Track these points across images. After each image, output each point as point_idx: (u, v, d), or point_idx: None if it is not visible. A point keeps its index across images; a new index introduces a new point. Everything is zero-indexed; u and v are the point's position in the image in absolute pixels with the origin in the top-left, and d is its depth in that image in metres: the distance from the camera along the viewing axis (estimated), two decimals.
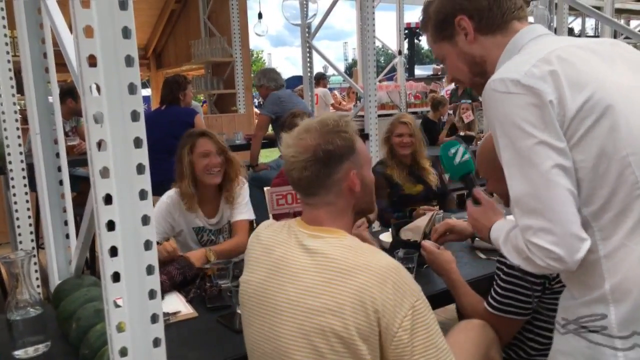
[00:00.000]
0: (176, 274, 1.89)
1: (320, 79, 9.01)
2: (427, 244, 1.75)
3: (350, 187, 1.23)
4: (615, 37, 8.19)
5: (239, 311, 1.58)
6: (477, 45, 1.17)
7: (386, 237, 2.31)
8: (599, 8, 7.31)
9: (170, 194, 2.34)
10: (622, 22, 12.43)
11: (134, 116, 0.89)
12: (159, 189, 4.19)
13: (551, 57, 1.02)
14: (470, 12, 1.15)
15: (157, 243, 2.19)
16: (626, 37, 5.02)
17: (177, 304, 1.72)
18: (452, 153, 1.48)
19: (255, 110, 7.83)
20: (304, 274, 1.15)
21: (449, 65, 1.24)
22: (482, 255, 2.09)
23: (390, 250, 2.06)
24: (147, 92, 11.99)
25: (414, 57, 16.74)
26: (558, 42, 1.10)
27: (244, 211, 2.39)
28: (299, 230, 1.23)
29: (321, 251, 1.16)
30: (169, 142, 3.75)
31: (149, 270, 0.93)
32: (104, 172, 0.88)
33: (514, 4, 1.16)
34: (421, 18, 1.27)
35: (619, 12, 12.21)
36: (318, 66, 23.53)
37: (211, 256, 2.08)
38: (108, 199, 0.88)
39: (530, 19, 4.35)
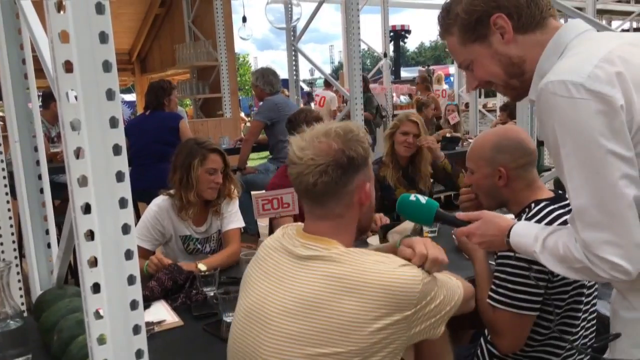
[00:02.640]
0: (165, 279, 1.86)
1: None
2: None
3: (361, 200, 1.20)
4: None
5: (225, 319, 1.56)
6: (515, 44, 1.09)
7: (374, 240, 2.30)
8: (581, 9, 7.39)
9: (158, 202, 2.30)
10: (604, 22, 12.60)
11: (113, 123, 0.87)
12: (144, 196, 4.15)
13: (613, 57, 0.96)
14: (508, 9, 1.07)
15: (152, 252, 2.16)
16: None
17: (162, 313, 1.69)
18: (414, 198, 1.42)
19: (243, 115, 7.82)
20: (298, 284, 1.13)
21: (478, 69, 1.15)
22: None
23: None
24: (132, 97, 11.91)
25: (400, 59, 16.81)
26: (609, 39, 1.05)
27: (233, 220, 2.38)
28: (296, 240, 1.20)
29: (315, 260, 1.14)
30: (154, 147, 3.73)
31: (131, 280, 0.91)
32: (82, 181, 0.86)
33: (548, 1, 1.11)
34: (442, 21, 1.17)
35: (601, 12, 12.37)
36: (304, 69, 23.50)
37: (202, 267, 2.06)
38: (87, 208, 0.86)
39: None
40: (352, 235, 1.23)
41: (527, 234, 1.14)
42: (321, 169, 1.14)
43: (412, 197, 1.43)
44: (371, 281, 1.07)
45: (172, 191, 2.31)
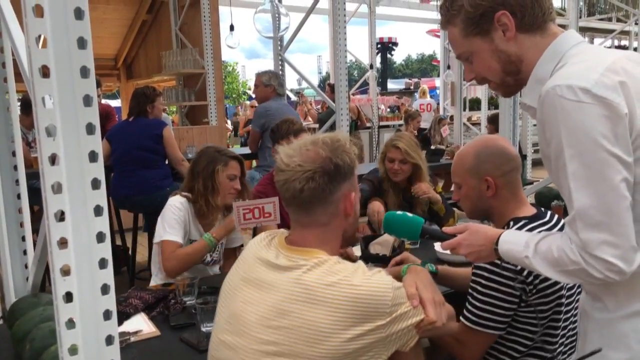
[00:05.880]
0: (149, 298, 1.83)
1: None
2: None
3: (346, 209, 1.21)
4: None
5: (203, 329, 1.54)
6: (515, 43, 1.11)
7: (355, 251, 2.30)
8: (563, 26, 7.53)
9: (180, 201, 2.27)
10: (586, 40, 12.84)
11: (90, 129, 0.86)
12: (126, 203, 4.08)
13: (617, 67, 1.00)
14: (512, 7, 1.09)
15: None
16: None
17: (138, 323, 1.66)
18: (400, 212, 1.45)
19: (229, 124, 7.79)
20: (275, 293, 1.13)
21: (477, 62, 1.17)
22: None
23: None
24: (117, 103, 11.82)
25: (387, 71, 16.94)
26: (608, 52, 1.08)
27: (237, 239, 2.46)
28: (278, 251, 1.20)
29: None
30: (135, 154, 3.69)
31: (104, 289, 0.89)
32: (57, 188, 0.85)
33: (550, 4, 1.13)
34: (445, 11, 1.18)
35: (583, 30, 12.62)
36: (292, 79, 23.57)
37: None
38: (61, 216, 0.85)
39: None
40: (337, 245, 1.24)
41: (516, 241, 1.15)
42: (308, 175, 1.15)
43: (399, 212, 1.44)
44: (341, 293, 1.08)
45: (189, 195, 2.29)
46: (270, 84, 4.28)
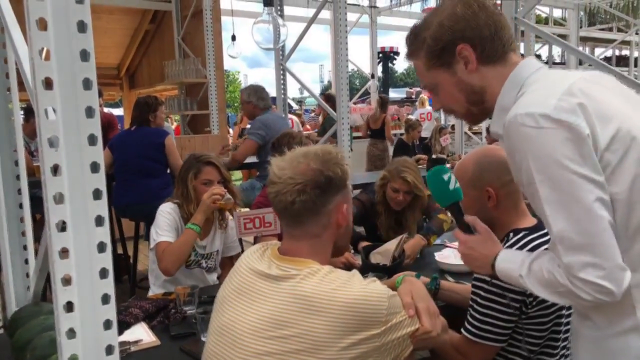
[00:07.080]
0: (150, 307, 1.83)
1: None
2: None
3: (338, 221, 1.22)
4: (580, 64, 8.50)
5: (203, 339, 1.54)
6: (477, 74, 1.13)
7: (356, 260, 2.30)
8: (564, 36, 7.55)
9: (171, 207, 2.31)
10: (587, 50, 12.90)
11: (92, 140, 0.87)
12: (127, 212, 4.08)
13: (574, 90, 1.01)
14: (473, 40, 1.11)
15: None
16: (589, 65, 5.19)
17: (139, 332, 1.66)
18: (446, 178, 1.44)
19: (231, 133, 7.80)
20: (266, 302, 1.14)
21: (442, 94, 1.19)
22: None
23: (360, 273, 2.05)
24: (120, 112, 11.88)
25: (388, 80, 16.99)
26: (567, 75, 1.09)
27: (234, 247, 2.48)
28: (270, 261, 1.21)
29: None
30: (138, 162, 3.70)
31: (105, 299, 0.90)
32: (59, 198, 0.85)
33: (510, 35, 1.15)
34: (410, 43, 1.20)
35: (584, 40, 12.68)
36: (293, 88, 23.68)
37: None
38: (62, 226, 0.86)
39: None
40: (328, 255, 1.25)
41: (513, 260, 1.16)
42: (299, 188, 1.16)
43: (446, 176, 1.40)
44: (338, 300, 1.09)
45: (177, 201, 2.33)
46: (250, 102, 4.22)
